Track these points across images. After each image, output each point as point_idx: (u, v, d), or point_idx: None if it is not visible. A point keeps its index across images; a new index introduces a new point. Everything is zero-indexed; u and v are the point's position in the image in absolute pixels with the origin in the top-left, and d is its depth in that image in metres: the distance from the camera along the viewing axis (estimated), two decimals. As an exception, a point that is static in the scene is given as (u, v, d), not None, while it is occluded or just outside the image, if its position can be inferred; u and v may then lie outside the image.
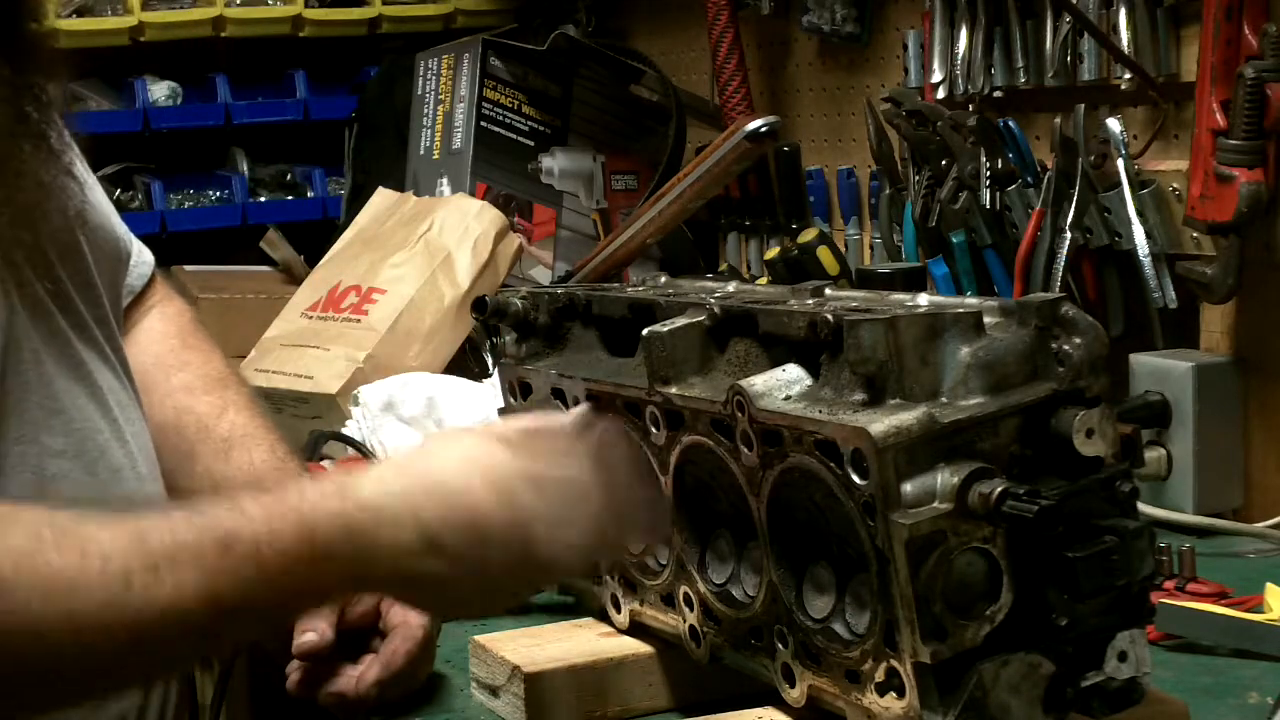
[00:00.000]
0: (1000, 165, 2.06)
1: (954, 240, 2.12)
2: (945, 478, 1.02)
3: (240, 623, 1.05)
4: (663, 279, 1.42)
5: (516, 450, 1.08)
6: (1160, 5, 1.89)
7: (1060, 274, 1.97)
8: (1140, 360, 1.88)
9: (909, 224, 2.20)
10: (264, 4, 2.99)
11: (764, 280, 2.28)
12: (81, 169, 1.32)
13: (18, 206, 1.18)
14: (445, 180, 2.65)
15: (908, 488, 1.02)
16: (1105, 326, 1.25)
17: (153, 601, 0.98)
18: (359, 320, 2.30)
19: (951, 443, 1.03)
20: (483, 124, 2.64)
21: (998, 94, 2.10)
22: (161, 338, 1.51)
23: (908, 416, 1.02)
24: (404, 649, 1.33)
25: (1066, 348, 1.06)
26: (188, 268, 2.85)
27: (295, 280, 2.68)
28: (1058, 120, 1.96)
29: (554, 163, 2.69)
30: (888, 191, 2.27)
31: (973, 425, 1.04)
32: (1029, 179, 2.03)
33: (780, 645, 1.17)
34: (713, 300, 1.25)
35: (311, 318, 2.37)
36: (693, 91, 2.74)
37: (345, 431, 1.99)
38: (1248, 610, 1.47)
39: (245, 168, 3.09)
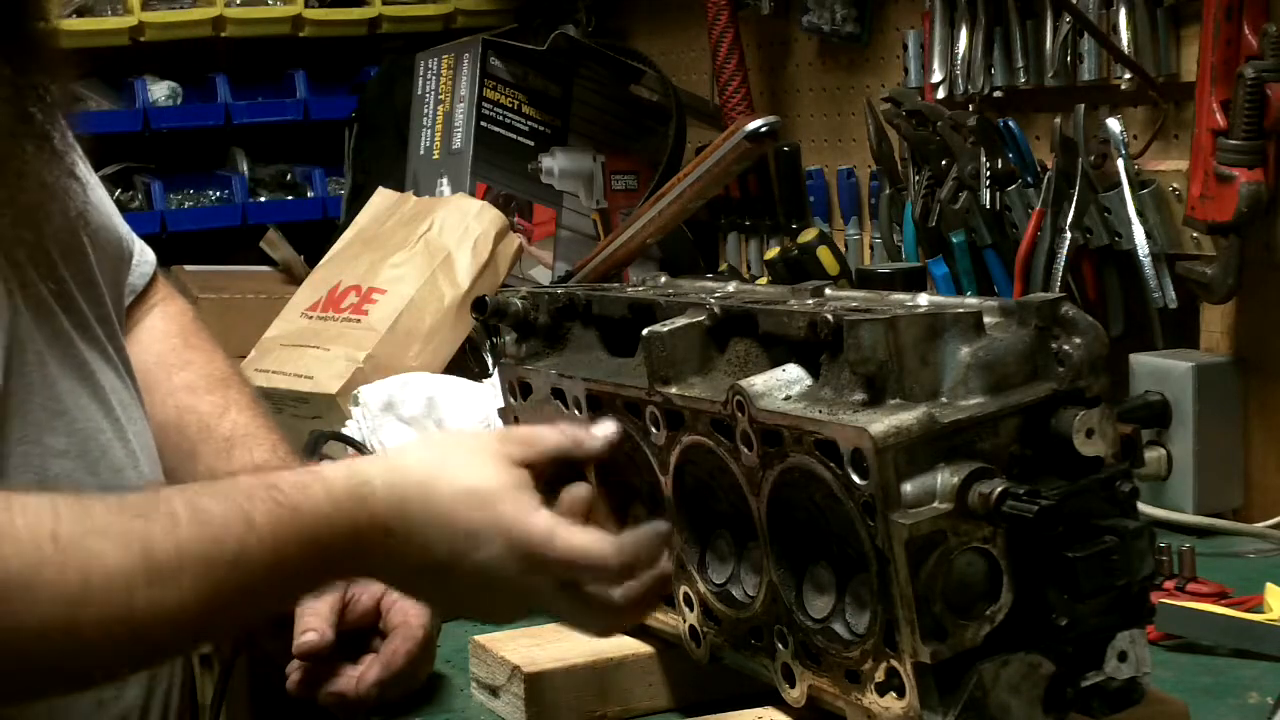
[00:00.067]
0: (1000, 165, 2.06)
1: (954, 240, 2.13)
2: (945, 478, 1.02)
3: (242, 622, 1.06)
4: (663, 279, 1.42)
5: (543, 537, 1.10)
6: (1160, 5, 1.89)
7: (1060, 274, 1.97)
8: (1140, 360, 1.88)
9: (909, 224, 2.20)
10: (264, 4, 2.99)
11: (764, 280, 2.28)
12: (84, 169, 1.33)
13: (20, 207, 1.18)
14: (445, 180, 2.65)
15: (908, 488, 1.02)
16: (1105, 326, 1.25)
17: (157, 614, 0.99)
18: (359, 320, 2.30)
19: (951, 443, 1.03)
20: (483, 124, 2.64)
21: (998, 94, 2.10)
22: (163, 337, 1.51)
23: (908, 416, 1.02)
24: (404, 649, 1.33)
25: (1066, 348, 1.07)
26: (188, 268, 2.85)
27: (295, 280, 2.68)
28: (1058, 120, 1.96)
29: (554, 163, 2.70)
30: (888, 191, 2.27)
31: (973, 425, 1.04)
32: (1029, 179, 2.04)
33: (780, 645, 1.17)
34: (713, 300, 1.25)
35: (311, 318, 2.37)
36: (693, 91, 2.74)
37: (345, 431, 1.98)
38: (1248, 610, 1.47)
39: (245, 168, 3.09)
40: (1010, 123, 2.05)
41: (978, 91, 2.12)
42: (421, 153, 2.73)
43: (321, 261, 2.52)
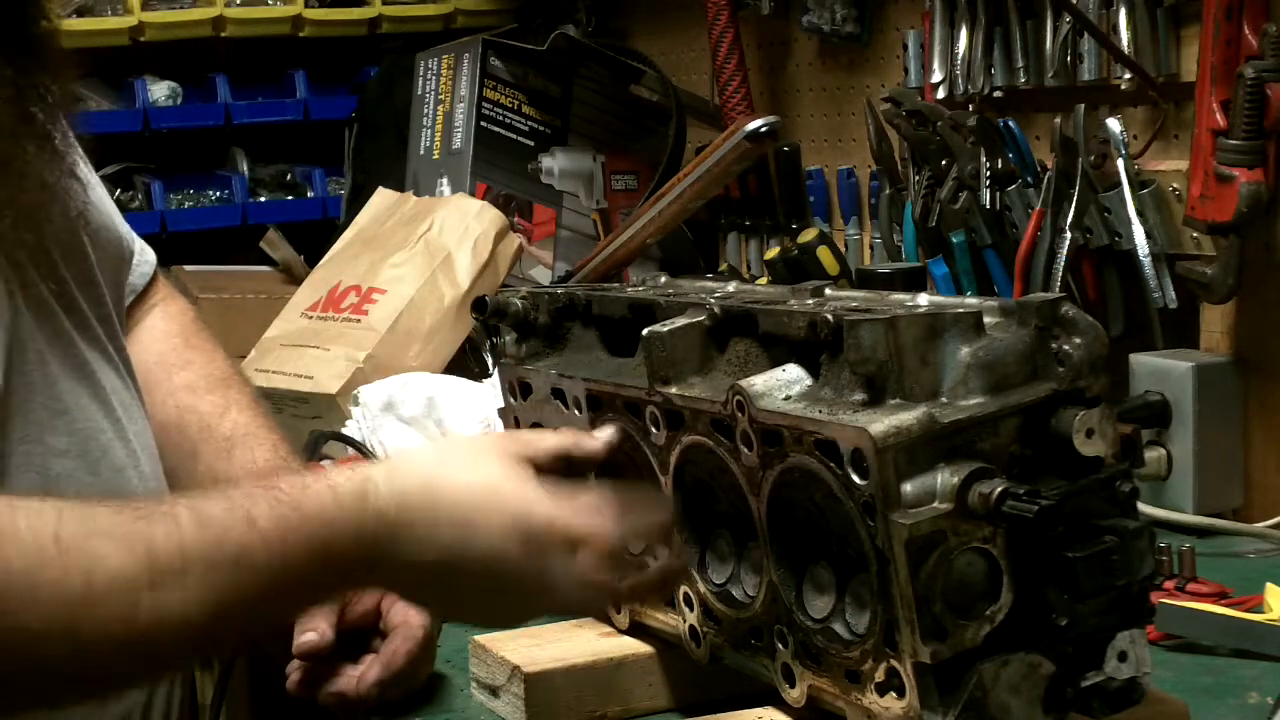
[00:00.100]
0: (1000, 165, 2.06)
1: (954, 240, 2.13)
2: (945, 478, 1.02)
3: (246, 629, 1.06)
4: (663, 279, 1.42)
5: (549, 513, 1.10)
6: (1160, 5, 1.89)
7: (1060, 274, 1.97)
8: (1140, 360, 1.88)
9: (909, 224, 2.20)
10: (264, 4, 2.99)
11: (764, 280, 2.28)
12: (85, 169, 1.33)
13: (21, 207, 1.18)
14: (445, 180, 2.66)
15: (908, 488, 1.02)
16: (1105, 326, 1.25)
17: (159, 619, 0.98)
18: (359, 320, 2.30)
19: (951, 443, 1.03)
20: (483, 124, 2.64)
21: (998, 94, 2.10)
22: (164, 336, 1.51)
23: (908, 416, 1.02)
24: (404, 649, 1.33)
25: (1066, 348, 1.07)
26: (188, 268, 2.85)
27: (295, 280, 2.68)
28: (1058, 120, 1.96)
29: (554, 163, 2.70)
30: (888, 191, 2.27)
31: (973, 425, 1.04)
32: (1029, 179, 2.04)
33: (780, 645, 1.17)
34: (713, 300, 1.25)
35: (311, 318, 2.37)
36: (693, 91, 2.74)
37: (345, 431, 1.99)
38: (1248, 610, 1.47)
39: (245, 168, 3.09)
40: (1010, 123, 2.05)
41: (978, 91, 2.12)
42: (421, 153, 2.73)
43: (321, 261, 2.52)
